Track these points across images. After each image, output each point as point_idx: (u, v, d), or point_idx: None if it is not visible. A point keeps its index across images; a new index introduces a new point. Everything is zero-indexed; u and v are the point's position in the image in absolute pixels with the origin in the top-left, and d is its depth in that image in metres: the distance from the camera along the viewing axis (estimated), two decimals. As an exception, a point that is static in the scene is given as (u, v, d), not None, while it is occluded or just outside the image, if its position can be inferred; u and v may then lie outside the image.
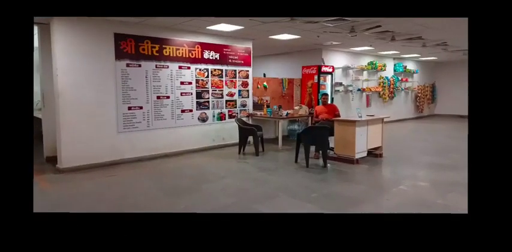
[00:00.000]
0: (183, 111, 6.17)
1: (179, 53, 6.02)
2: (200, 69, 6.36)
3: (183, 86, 6.14)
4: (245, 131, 6.07)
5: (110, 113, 5.25)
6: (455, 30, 6.51)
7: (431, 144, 7.34)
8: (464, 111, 12.97)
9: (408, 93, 12.58)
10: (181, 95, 6.12)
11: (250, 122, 7.09)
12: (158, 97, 5.80)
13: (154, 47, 5.68)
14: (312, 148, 5.49)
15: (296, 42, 7.62)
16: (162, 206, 3.50)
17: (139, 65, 5.53)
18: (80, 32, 4.87)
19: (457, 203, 3.48)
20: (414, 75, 12.65)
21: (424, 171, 4.93)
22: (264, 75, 8.63)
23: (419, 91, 12.99)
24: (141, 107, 5.61)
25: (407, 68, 11.99)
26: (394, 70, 11.60)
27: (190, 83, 6.24)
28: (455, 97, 13.19)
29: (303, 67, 8.66)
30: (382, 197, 3.72)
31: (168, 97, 5.94)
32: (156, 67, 5.73)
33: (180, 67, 6.06)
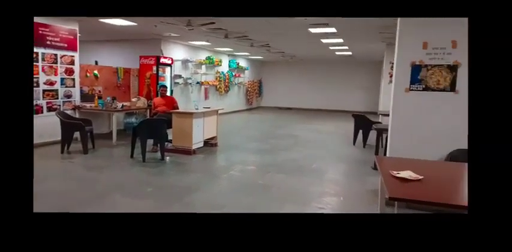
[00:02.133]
0: (-24, 102, 4.80)
1: (-34, 26, 4.60)
2: (2, 50, 5.08)
3: (-26, 70, 4.76)
4: (69, 126, 5.30)
5: None
6: (275, 34, 7.68)
7: (257, 132, 8.50)
8: (283, 104, 15.68)
9: (240, 88, 14.05)
10: (-28, 81, 4.74)
11: (77, 115, 6.25)
12: None
13: None
14: (150, 141, 5.40)
15: (133, 29, 7.17)
16: None
17: None
18: None
19: (272, 181, 4.23)
20: (246, 71, 14.20)
21: (250, 156, 5.70)
22: (96, 62, 7.72)
23: (250, 86, 14.73)
24: None
25: (239, 64, 13.31)
26: (229, 66, 12.66)
27: (-14, 67, 4.90)
28: (276, 92, 15.93)
29: (141, 57, 8.27)
30: (215, 183, 4.09)
31: (-51, 83, 4.48)
32: None
33: (-32, 45, 4.65)
